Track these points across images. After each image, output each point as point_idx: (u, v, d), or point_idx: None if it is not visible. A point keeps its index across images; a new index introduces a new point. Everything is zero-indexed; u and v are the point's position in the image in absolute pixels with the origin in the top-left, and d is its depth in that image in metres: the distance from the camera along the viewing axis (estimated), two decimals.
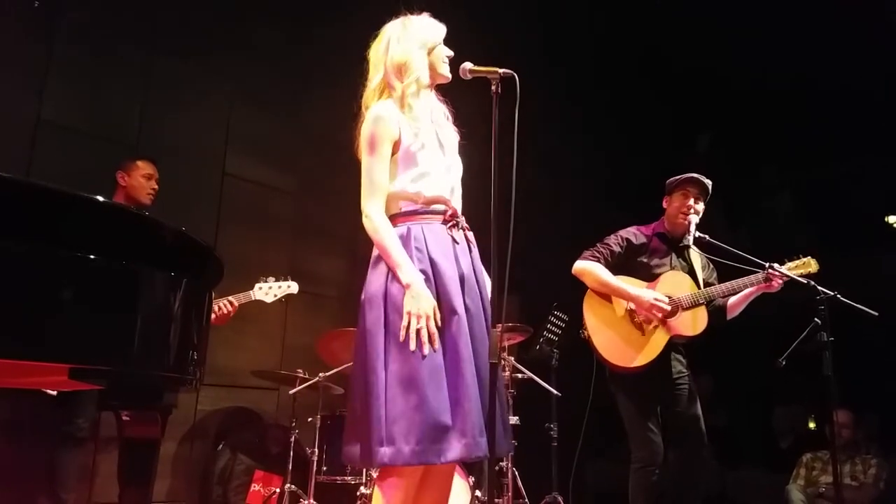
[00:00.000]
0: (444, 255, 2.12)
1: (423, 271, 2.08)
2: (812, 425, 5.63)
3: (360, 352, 2.07)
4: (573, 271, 3.28)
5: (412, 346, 1.99)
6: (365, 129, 2.18)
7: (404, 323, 2.01)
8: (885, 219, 5.43)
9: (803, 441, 5.14)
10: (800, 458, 4.64)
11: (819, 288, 2.92)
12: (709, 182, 3.28)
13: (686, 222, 3.26)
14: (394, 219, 2.17)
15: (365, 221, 2.14)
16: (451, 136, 2.34)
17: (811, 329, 2.83)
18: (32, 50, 3.86)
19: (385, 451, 1.93)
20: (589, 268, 3.23)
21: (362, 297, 2.13)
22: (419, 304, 2.01)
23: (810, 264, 3.12)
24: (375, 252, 2.15)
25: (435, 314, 2.03)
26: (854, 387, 3.99)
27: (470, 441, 1.95)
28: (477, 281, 2.20)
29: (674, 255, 3.32)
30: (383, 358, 2.01)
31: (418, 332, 2.00)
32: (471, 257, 2.22)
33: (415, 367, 1.98)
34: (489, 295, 2.22)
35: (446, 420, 1.95)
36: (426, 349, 2.00)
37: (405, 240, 2.12)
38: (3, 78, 3.65)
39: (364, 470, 3.61)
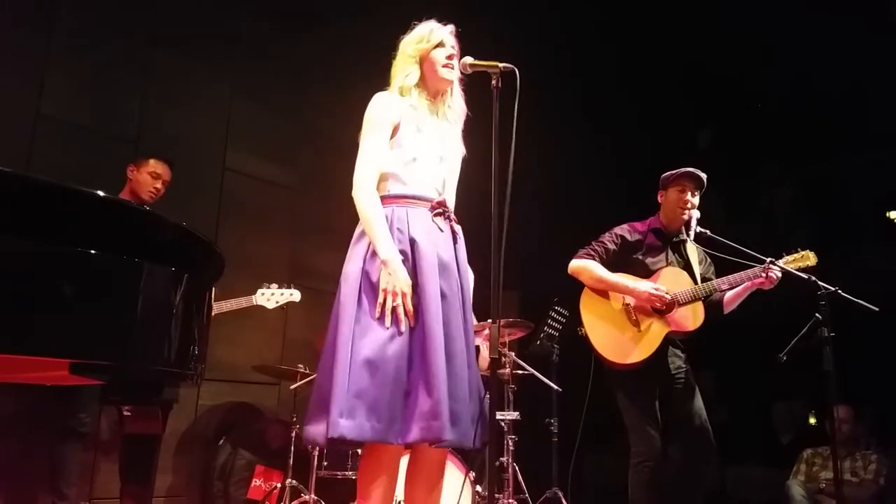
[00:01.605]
0: (424, 239, 2.14)
1: (402, 251, 2.10)
2: (812, 421, 5.62)
3: (332, 325, 2.08)
4: (569, 270, 3.29)
5: (387, 322, 2.00)
6: (366, 112, 2.26)
7: (380, 300, 2.02)
8: (887, 214, 5.42)
9: (804, 437, 5.13)
10: (800, 453, 4.63)
11: (820, 283, 2.92)
12: (704, 175, 3.28)
13: (684, 216, 3.26)
14: (382, 200, 2.20)
15: (354, 191, 2.17)
16: (455, 138, 2.38)
17: (812, 325, 2.82)
18: (32, 44, 3.86)
19: (346, 424, 1.90)
20: (585, 265, 3.24)
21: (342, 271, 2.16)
22: (394, 281, 2.03)
23: (809, 257, 3.12)
24: (359, 229, 2.19)
25: (409, 294, 2.05)
26: (854, 382, 3.99)
27: (429, 423, 1.94)
28: (459, 272, 2.22)
29: (669, 251, 3.32)
30: (353, 332, 2.01)
31: (393, 308, 2.01)
32: (454, 248, 2.24)
33: (384, 345, 1.99)
34: (471, 287, 2.25)
35: (409, 401, 1.96)
36: (401, 326, 2.01)
37: (388, 220, 2.14)
38: (2, 72, 3.65)
39: None
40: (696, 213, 3.27)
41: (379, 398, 1.94)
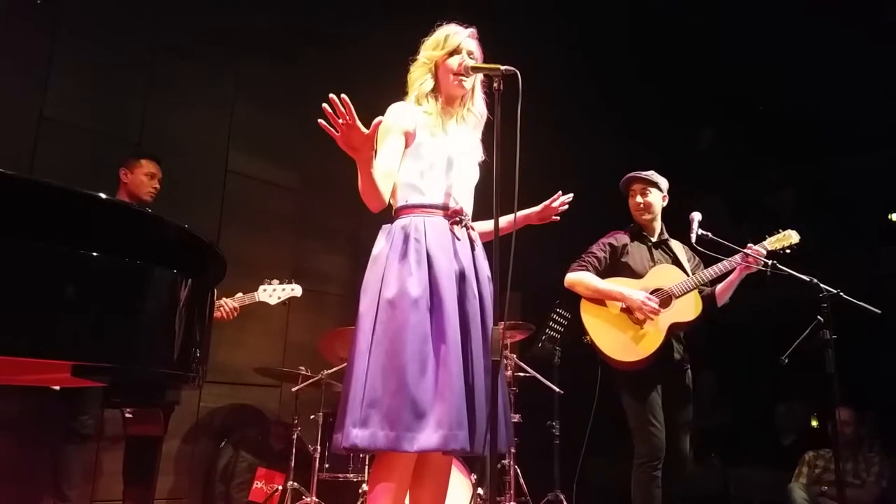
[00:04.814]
0: (441, 249, 2.15)
1: (418, 262, 2.10)
2: (814, 423, 5.62)
3: (353, 336, 2.11)
4: (565, 284, 3.34)
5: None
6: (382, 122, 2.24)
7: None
8: (889, 216, 5.41)
9: (806, 439, 5.13)
10: (802, 456, 4.63)
11: (822, 286, 2.92)
12: (647, 173, 3.37)
13: (644, 218, 3.37)
14: (399, 210, 2.23)
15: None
16: (472, 142, 2.39)
17: (814, 327, 2.83)
18: (35, 46, 3.87)
19: (359, 434, 1.94)
20: (579, 278, 3.29)
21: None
22: None
23: (790, 237, 3.18)
24: (377, 248, 2.20)
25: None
26: (856, 384, 3.99)
27: (447, 433, 1.94)
28: (478, 279, 2.22)
29: (654, 251, 3.40)
30: (370, 342, 2.04)
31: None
32: (472, 255, 2.24)
33: (398, 354, 1.99)
34: (490, 294, 2.23)
35: (424, 409, 1.95)
36: (417, 333, 2.01)
37: (406, 230, 2.15)
38: (5, 74, 3.66)
39: (367, 467, 3.62)
40: (697, 216, 3.29)
41: (393, 407, 1.94)
